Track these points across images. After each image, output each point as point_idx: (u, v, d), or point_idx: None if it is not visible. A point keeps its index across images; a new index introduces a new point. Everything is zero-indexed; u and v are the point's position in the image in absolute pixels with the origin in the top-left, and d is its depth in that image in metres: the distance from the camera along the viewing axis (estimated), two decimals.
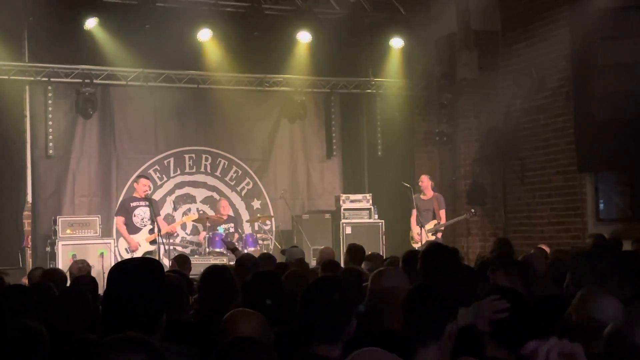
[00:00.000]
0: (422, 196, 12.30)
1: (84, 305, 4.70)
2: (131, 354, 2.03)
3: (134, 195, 11.30)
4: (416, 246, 11.87)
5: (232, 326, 3.23)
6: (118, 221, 11.28)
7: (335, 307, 3.10)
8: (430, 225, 12.15)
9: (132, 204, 11.18)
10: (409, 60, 13.60)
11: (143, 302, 2.72)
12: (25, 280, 7.52)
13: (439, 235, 12.17)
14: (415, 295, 3.27)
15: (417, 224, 12.04)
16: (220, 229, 12.12)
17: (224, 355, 2.38)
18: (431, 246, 4.97)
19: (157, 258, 10.83)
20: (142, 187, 11.15)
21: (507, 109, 12.84)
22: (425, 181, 12.33)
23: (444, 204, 12.34)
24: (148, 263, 2.94)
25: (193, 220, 12.40)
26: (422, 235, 11.86)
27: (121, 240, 11.29)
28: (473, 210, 12.45)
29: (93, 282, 5.95)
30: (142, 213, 11.10)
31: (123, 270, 2.90)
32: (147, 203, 11.05)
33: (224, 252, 11.65)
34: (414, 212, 12.20)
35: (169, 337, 3.48)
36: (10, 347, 3.18)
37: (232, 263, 10.59)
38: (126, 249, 11.13)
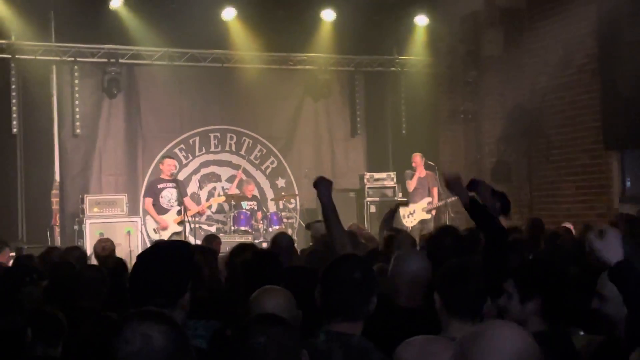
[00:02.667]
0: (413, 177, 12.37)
1: (102, 283, 4.79)
2: (154, 324, 2.12)
3: (161, 176, 11.34)
4: (409, 225, 12.01)
5: (258, 302, 3.28)
6: (147, 202, 11.34)
7: (357, 285, 3.12)
8: (423, 203, 12.18)
9: (159, 186, 11.22)
10: (434, 37, 13.53)
11: (164, 279, 2.81)
12: None
13: (434, 213, 12.20)
14: (464, 270, 3.37)
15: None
16: (244, 205, 12.20)
17: (247, 331, 2.43)
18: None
19: (184, 238, 10.97)
20: (168, 167, 11.21)
21: (532, 87, 12.73)
22: (417, 159, 12.34)
23: (437, 181, 12.33)
24: (176, 244, 3.05)
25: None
26: (414, 214, 12.14)
27: (149, 220, 11.34)
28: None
29: (120, 262, 6.04)
30: (169, 194, 11.16)
31: (150, 250, 3.01)
32: (174, 184, 11.13)
33: (249, 230, 11.75)
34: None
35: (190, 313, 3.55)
36: (31, 333, 3.28)
37: (256, 241, 10.71)
38: (154, 229, 11.19)
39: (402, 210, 12.37)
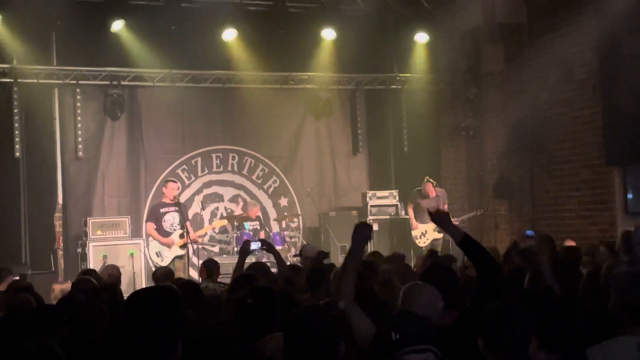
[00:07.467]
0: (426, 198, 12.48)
1: (100, 318, 4.73)
2: None
3: (163, 200, 11.33)
4: (422, 245, 12.10)
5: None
6: (149, 227, 11.28)
7: (320, 338, 3.11)
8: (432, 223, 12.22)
9: (161, 210, 11.20)
10: (434, 55, 13.57)
11: (158, 331, 2.74)
12: (56, 287, 7.43)
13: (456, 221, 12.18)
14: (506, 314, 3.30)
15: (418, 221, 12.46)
16: (247, 225, 12.18)
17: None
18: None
19: (187, 259, 10.95)
20: (171, 190, 11.21)
21: (533, 102, 12.75)
22: (427, 187, 12.44)
23: (447, 199, 12.46)
24: (165, 292, 2.94)
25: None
26: (426, 234, 12.37)
27: (152, 244, 11.27)
28: (485, 209, 12.56)
29: (114, 291, 5.95)
30: (171, 218, 11.14)
31: (140, 299, 2.90)
32: (176, 208, 11.11)
33: (253, 251, 11.70)
34: (411, 211, 12.58)
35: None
36: None
37: (264, 260, 10.67)
38: (157, 253, 11.11)
39: (414, 232, 12.43)
